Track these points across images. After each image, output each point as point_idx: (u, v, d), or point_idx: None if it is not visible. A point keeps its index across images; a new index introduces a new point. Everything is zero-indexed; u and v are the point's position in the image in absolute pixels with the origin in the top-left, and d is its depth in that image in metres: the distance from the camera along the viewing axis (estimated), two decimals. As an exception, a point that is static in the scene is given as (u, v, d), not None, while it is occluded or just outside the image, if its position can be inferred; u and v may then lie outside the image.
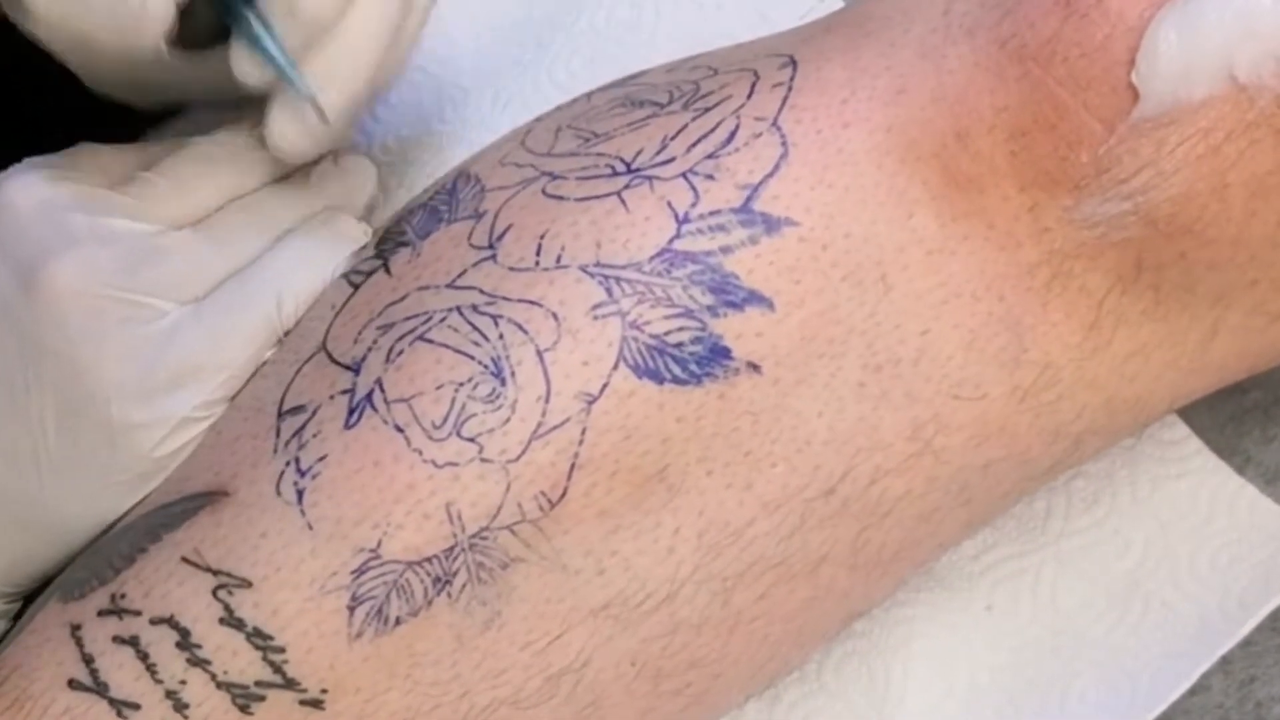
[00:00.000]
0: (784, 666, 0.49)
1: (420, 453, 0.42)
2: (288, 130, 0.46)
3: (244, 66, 0.46)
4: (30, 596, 0.48)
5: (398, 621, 0.42)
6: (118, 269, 0.45)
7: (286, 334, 0.46)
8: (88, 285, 0.45)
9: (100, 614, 0.44)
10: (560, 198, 0.44)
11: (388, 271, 0.46)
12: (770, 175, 0.44)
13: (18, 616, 0.48)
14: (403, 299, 0.45)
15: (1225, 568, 0.51)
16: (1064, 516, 0.53)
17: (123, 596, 0.43)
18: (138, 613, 0.43)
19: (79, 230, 0.45)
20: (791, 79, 0.45)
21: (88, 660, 0.43)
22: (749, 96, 0.45)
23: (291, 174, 0.49)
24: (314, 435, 0.43)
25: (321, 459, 0.43)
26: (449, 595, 0.42)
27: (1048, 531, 0.53)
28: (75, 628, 0.44)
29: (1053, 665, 0.52)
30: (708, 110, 0.45)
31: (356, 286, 0.46)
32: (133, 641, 0.43)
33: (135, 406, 0.45)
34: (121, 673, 0.43)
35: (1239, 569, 0.51)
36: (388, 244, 0.47)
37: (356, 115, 0.48)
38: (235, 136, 0.49)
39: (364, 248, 0.48)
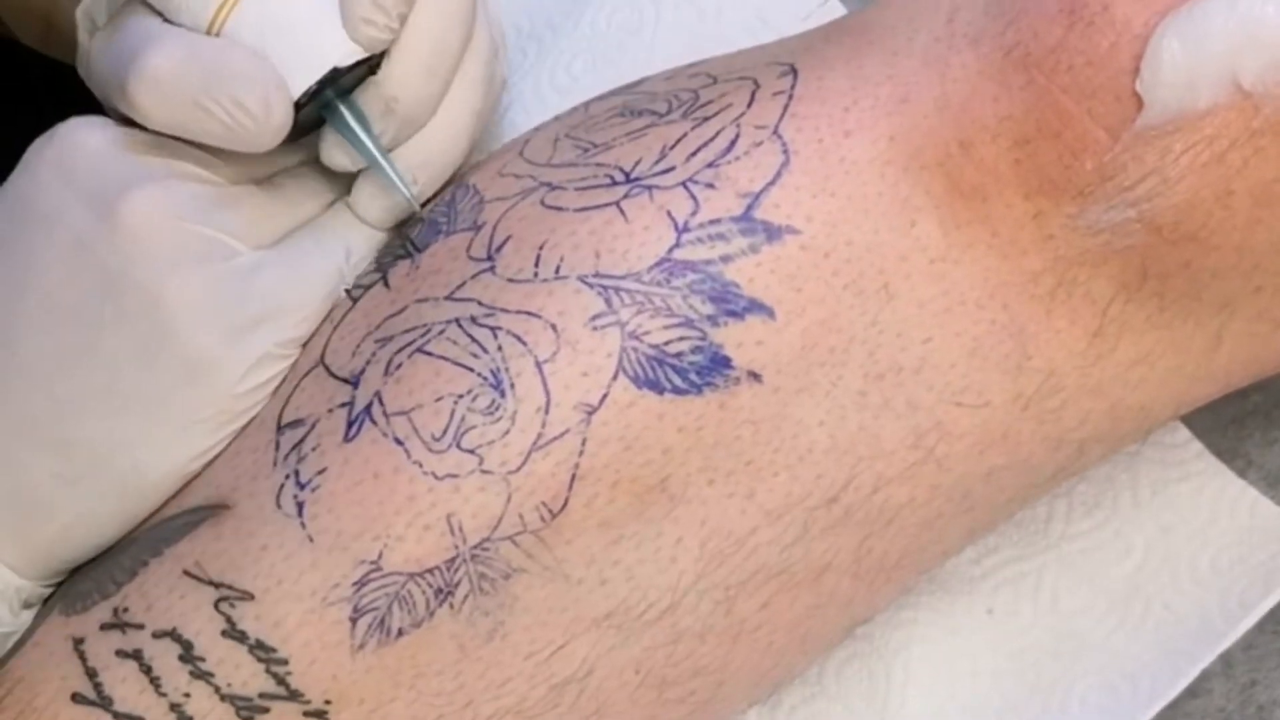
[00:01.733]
0: (788, 674, 0.49)
1: (420, 465, 0.42)
2: (373, 207, 0.48)
3: (336, 157, 0.48)
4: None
5: (400, 633, 0.42)
6: (195, 206, 0.45)
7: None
8: (169, 217, 0.44)
9: (103, 627, 0.43)
10: (559, 208, 0.44)
11: (386, 284, 0.46)
12: (771, 183, 0.43)
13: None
14: (401, 311, 0.44)
15: (1226, 569, 0.51)
16: (1065, 520, 0.53)
17: (125, 610, 0.43)
18: (140, 626, 0.43)
19: (154, 166, 0.45)
20: (792, 87, 0.45)
21: (91, 674, 0.43)
22: (749, 105, 0.45)
23: None
24: (313, 448, 0.43)
25: (321, 472, 0.43)
26: (451, 606, 0.42)
27: (1049, 535, 0.53)
28: (78, 641, 0.44)
29: (1053, 668, 0.52)
30: (707, 119, 0.45)
31: (355, 300, 0.46)
32: (136, 655, 0.43)
33: (218, 341, 0.44)
34: (125, 686, 0.43)
35: (1240, 570, 0.51)
36: (386, 257, 0.47)
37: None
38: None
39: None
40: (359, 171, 0.48)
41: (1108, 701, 0.50)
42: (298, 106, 0.45)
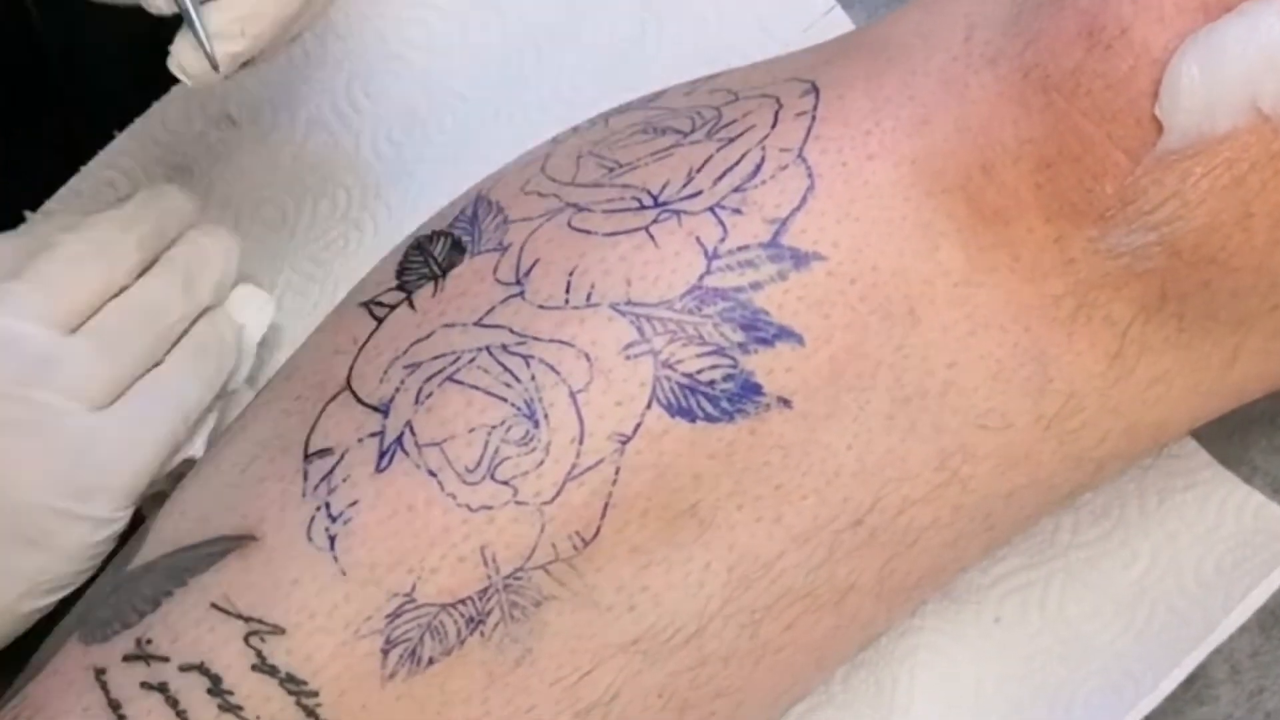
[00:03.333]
0: (805, 690, 0.49)
1: (454, 497, 0.42)
2: (193, 59, 0.45)
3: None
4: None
5: (430, 661, 0.42)
6: (23, 375, 0.45)
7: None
8: None
9: (126, 659, 0.43)
10: (587, 231, 0.44)
11: (411, 306, 0.45)
12: (797, 209, 0.43)
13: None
14: (429, 336, 0.44)
15: (1230, 570, 0.52)
16: (1072, 530, 0.53)
17: (149, 642, 0.43)
18: (165, 658, 0.43)
19: None
20: (815, 108, 0.45)
21: (114, 706, 0.43)
22: (773, 126, 0.45)
23: (158, 257, 0.50)
24: (344, 480, 0.43)
25: (353, 504, 0.43)
26: (482, 634, 0.42)
27: (1056, 544, 0.53)
28: (99, 671, 0.43)
29: (1059, 672, 0.52)
30: (732, 140, 0.45)
31: (379, 320, 0.46)
32: (161, 688, 0.42)
33: (52, 511, 0.45)
34: (151, 719, 0.42)
35: (1243, 569, 0.52)
36: (409, 274, 0.47)
37: (272, 49, 0.46)
38: (99, 228, 0.49)
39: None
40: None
41: (1112, 701, 0.51)
42: None
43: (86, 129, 0.58)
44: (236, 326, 0.52)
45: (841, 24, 0.57)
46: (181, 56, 0.45)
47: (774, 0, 0.57)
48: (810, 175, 0.44)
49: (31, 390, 0.45)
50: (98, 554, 0.46)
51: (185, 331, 0.50)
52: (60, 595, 0.46)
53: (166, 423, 0.47)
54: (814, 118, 0.45)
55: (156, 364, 0.48)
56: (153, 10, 0.45)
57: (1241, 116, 0.41)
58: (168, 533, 0.46)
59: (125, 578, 0.45)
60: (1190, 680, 0.51)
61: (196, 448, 0.49)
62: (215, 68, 0.44)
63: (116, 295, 0.48)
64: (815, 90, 0.45)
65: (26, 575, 0.45)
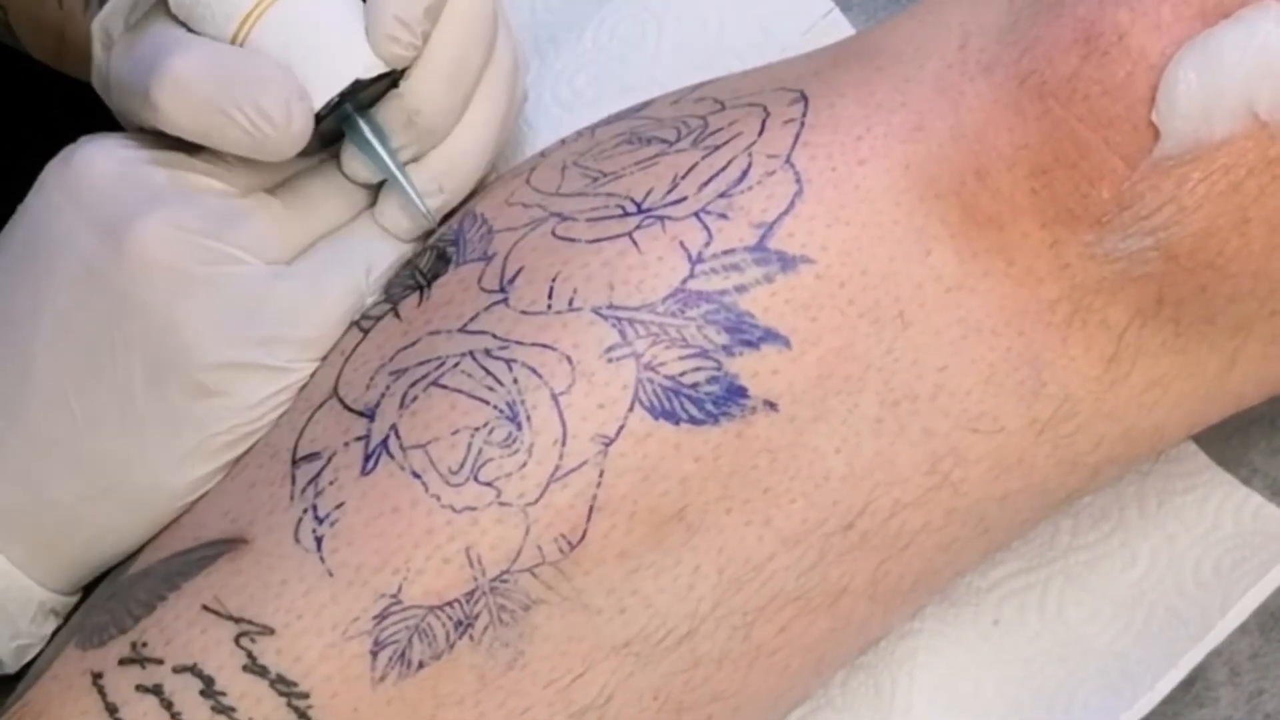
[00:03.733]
0: (803, 695, 0.49)
1: (438, 498, 0.42)
2: (399, 219, 0.48)
3: (356, 168, 0.48)
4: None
5: (420, 665, 0.42)
6: (205, 225, 0.45)
7: (371, 303, 0.47)
8: (177, 241, 0.44)
9: (121, 662, 0.43)
10: (571, 239, 0.44)
11: (397, 316, 0.46)
12: (785, 213, 0.43)
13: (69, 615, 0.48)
14: (414, 344, 0.44)
15: (1228, 570, 0.52)
16: (1071, 533, 0.53)
17: (144, 645, 0.43)
18: (160, 661, 0.43)
19: (163, 188, 0.45)
20: (803, 115, 0.45)
21: (111, 709, 0.43)
22: (760, 133, 0.45)
23: None
24: (330, 482, 0.43)
25: (339, 506, 0.43)
26: (471, 637, 0.42)
27: (1055, 547, 0.53)
28: (96, 676, 0.43)
29: (1058, 674, 0.52)
30: (718, 148, 0.45)
31: (366, 332, 0.46)
32: (156, 690, 0.43)
33: (228, 362, 0.44)
34: None
35: (1243, 570, 0.52)
36: (396, 288, 0.47)
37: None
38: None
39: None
40: (383, 182, 0.48)
41: (1111, 703, 0.51)
42: (319, 118, 0.46)
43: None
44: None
45: (841, 26, 0.57)
46: (386, 217, 0.48)
47: (774, 3, 0.57)
48: (799, 180, 0.44)
49: (213, 241, 0.45)
50: (275, 406, 0.45)
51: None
52: (244, 446, 0.45)
53: (350, 279, 0.47)
54: (802, 124, 0.44)
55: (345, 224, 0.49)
56: (357, 181, 0.48)
57: (1238, 122, 0.41)
58: (163, 540, 0.46)
59: (121, 584, 0.46)
60: (1190, 682, 0.51)
61: None
62: (429, 220, 0.48)
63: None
64: (804, 98, 0.45)
65: (200, 425, 0.45)
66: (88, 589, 0.48)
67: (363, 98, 0.47)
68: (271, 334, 0.45)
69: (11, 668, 0.47)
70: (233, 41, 0.46)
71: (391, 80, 0.47)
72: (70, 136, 0.47)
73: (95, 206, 0.45)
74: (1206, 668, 0.52)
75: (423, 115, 0.47)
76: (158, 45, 0.45)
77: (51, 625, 0.47)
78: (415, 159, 0.48)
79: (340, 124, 0.47)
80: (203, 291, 0.44)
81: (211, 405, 0.45)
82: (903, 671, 0.52)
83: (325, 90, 0.46)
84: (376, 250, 0.48)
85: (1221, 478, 0.53)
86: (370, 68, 0.46)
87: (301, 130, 0.45)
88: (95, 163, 0.45)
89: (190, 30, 0.46)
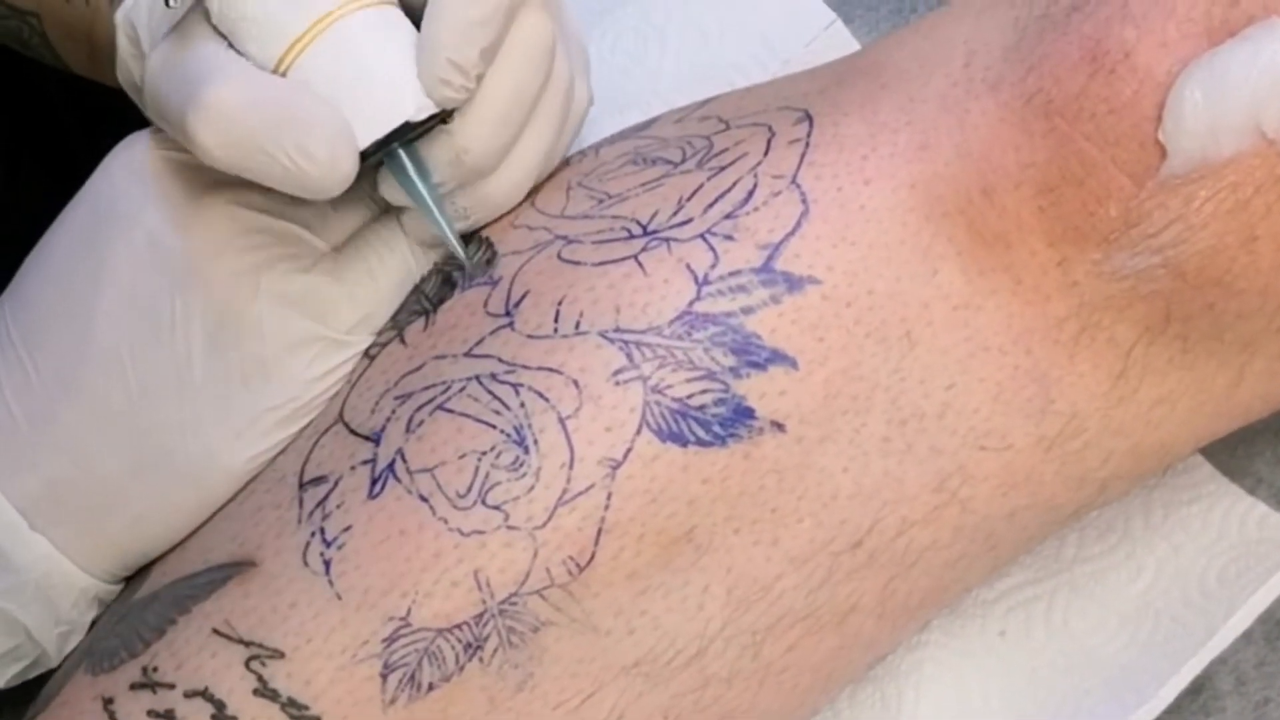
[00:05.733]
0: (812, 711, 0.49)
1: (446, 521, 0.42)
2: (424, 236, 0.47)
3: (394, 194, 0.47)
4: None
5: (430, 687, 0.42)
6: (267, 204, 0.45)
7: (422, 279, 0.47)
8: (239, 218, 0.44)
9: (133, 687, 0.43)
10: (576, 262, 0.44)
11: (403, 341, 0.45)
12: (791, 234, 0.43)
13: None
14: (419, 368, 0.44)
15: (1234, 579, 0.52)
16: (1077, 544, 0.53)
17: (154, 669, 0.43)
18: (171, 685, 0.43)
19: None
20: (808, 134, 0.45)
21: None
22: (765, 153, 0.44)
23: None
24: (338, 506, 0.43)
25: (347, 529, 0.43)
26: (480, 660, 0.42)
27: (1061, 559, 0.53)
28: (107, 701, 0.43)
29: (1064, 685, 0.52)
30: (723, 169, 0.45)
31: (372, 358, 0.46)
32: (167, 715, 0.43)
33: (288, 336, 0.44)
34: None
35: (1248, 579, 0.52)
36: (402, 314, 0.47)
37: None
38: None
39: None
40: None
41: (1117, 713, 0.51)
42: (364, 155, 0.44)
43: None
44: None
45: (843, 39, 0.56)
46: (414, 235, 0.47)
47: (776, 16, 0.57)
48: (804, 201, 0.44)
49: (275, 220, 0.45)
50: (333, 381, 0.45)
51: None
52: (301, 422, 0.45)
53: (399, 256, 0.47)
54: (808, 144, 0.44)
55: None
56: (391, 202, 0.47)
57: (1245, 141, 0.41)
58: (171, 563, 0.46)
59: (130, 608, 0.46)
60: (1196, 691, 0.51)
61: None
62: (469, 264, 0.46)
63: None
64: (809, 118, 0.45)
65: (257, 398, 0.45)
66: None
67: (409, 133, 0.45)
68: (327, 310, 0.45)
69: (55, 658, 0.47)
70: (278, 66, 0.44)
71: (440, 117, 0.45)
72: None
73: (161, 183, 0.45)
74: (1213, 677, 0.52)
75: (470, 155, 0.45)
76: (198, 68, 0.43)
77: (94, 613, 0.47)
78: (453, 189, 0.47)
79: (384, 157, 0.45)
80: (264, 266, 0.44)
81: (269, 378, 0.44)
82: (909, 684, 0.52)
83: (372, 130, 0.44)
84: (421, 231, 0.47)
85: (1227, 488, 0.53)
86: (421, 109, 0.44)
87: (346, 173, 0.43)
88: (160, 148, 0.45)
89: (232, 46, 0.44)
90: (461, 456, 0.42)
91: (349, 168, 0.43)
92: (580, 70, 0.49)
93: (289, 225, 0.45)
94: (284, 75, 0.44)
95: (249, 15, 0.43)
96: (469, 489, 0.42)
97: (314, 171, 0.42)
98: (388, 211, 0.48)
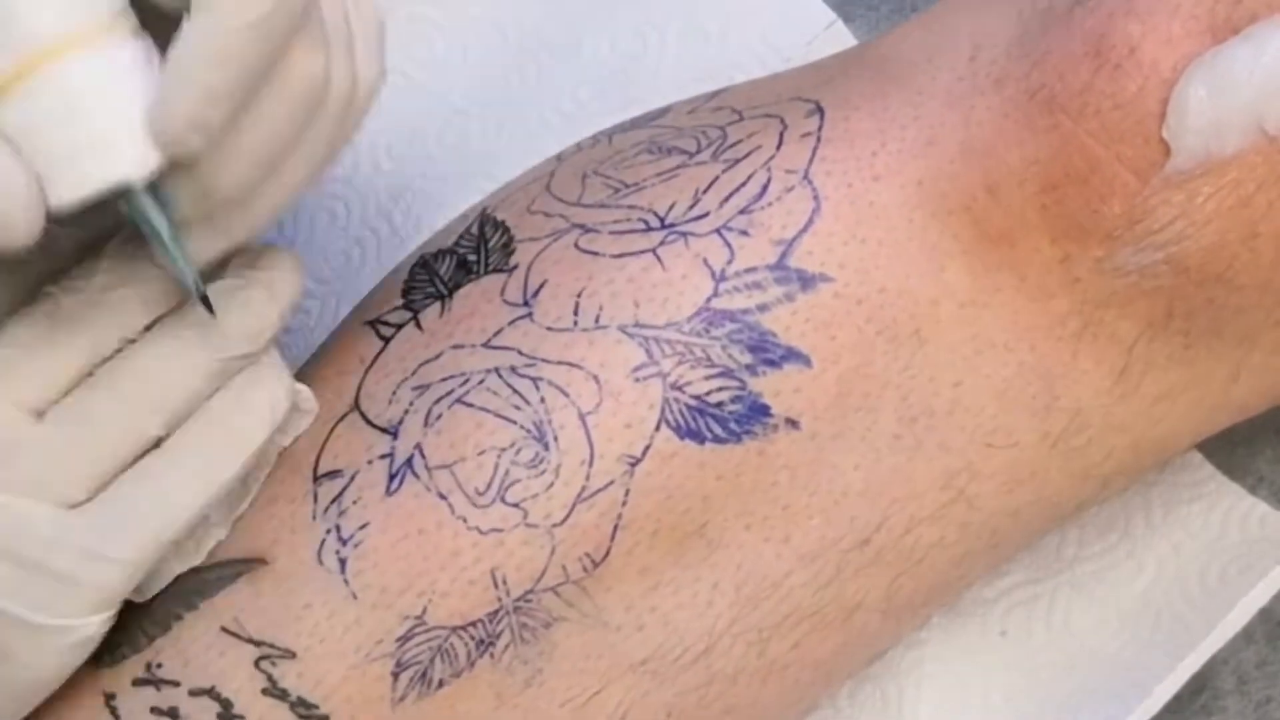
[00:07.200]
0: (812, 707, 0.49)
1: (464, 520, 0.42)
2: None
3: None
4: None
5: (440, 684, 0.42)
6: None
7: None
8: None
9: (135, 683, 0.43)
10: (595, 253, 0.44)
11: (419, 326, 0.45)
12: (804, 231, 0.44)
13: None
14: (437, 357, 0.44)
15: (1235, 578, 0.52)
16: (1078, 543, 0.54)
17: (159, 666, 0.43)
18: (176, 683, 0.43)
19: None
20: (820, 128, 0.45)
21: None
22: (778, 147, 0.45)
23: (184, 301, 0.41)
24: (354, 502, 0.43)
25: (363, 527, 0.43)
26: (491, 656, 0.42)
27: (1062, 558, 0.54)
28: (109, 697, 0.43)
29: (1066, 684, 0.53)
30: (738, 161, 0.45)
31: (386, 339, 0.45)
32: (171, 713, 0.42)
33: (13, 619, 0.40)
34: None
35: (1249, 577, 0.52)
36: (415, 294, 0.46)
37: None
38: (92, 277, 0.41)
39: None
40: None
41: (1117, 712, 0.51)
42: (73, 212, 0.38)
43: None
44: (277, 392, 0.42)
45: (844, 38, 0.57)
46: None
47: (776, 15, 0.57)
48: (816, 197, 0.44)
49: None
50: (66, 665, 0.41)
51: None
52: (28, 708, 0.42)
53: (150, 527, 0.40)
54: (819, 139, 0.45)
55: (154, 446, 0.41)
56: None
57: (1248, 138, 0.42)
58: None
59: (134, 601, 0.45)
60: (1197, 691, 0.52)
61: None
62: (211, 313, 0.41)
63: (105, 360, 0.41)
64: (820, 110, 0.45)
65: (12, 672, 0.41)
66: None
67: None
68: (53, 591, 0.40)
69: None
70: None
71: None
72: None
73: None
74: (1214, 676, 0.52)
75: (219, 193, 0.38)
76: None
77: None
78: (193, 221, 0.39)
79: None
80: None
81: (12, 660, 0.40)
82: (910, 682, 0.53)
83: (79, 187, 0.37)
84: (190, 488, 0.41)
85: (1227, 486, 0.53)
86: (145, 164, 0.37)
87: (25, 235, 0.37)
88: None
89: None
90: (481, 453, 0.42)
91: (26, 231, 0.37)
92: (371, 48, 0.42)
93: (11, 500, 0.39)
94: None
95: None
96: (488, 486, 0.42)
97: None
98: (139, 462, 0.41)
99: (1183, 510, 0.53)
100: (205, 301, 0.40)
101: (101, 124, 0.37)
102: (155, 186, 0.38)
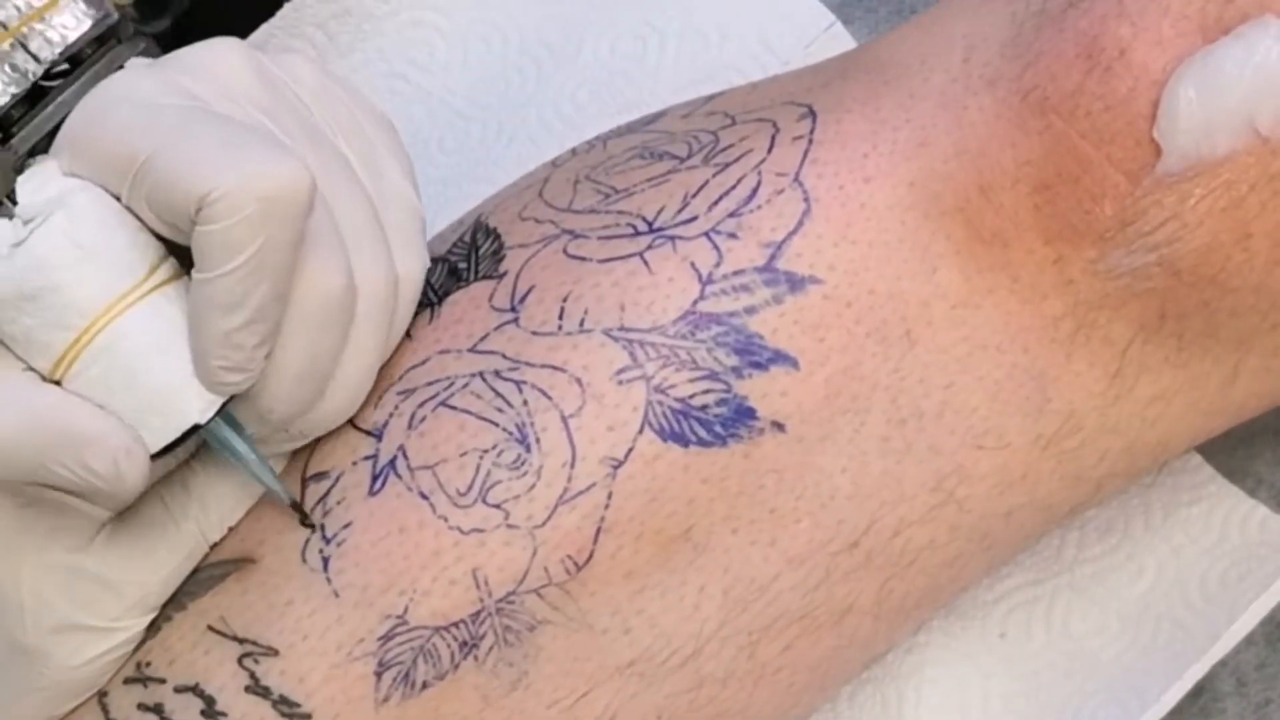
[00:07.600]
0: (808, 711, 0.49)
1: (446, 520, 0.42)
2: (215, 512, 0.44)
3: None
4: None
5: (424, 685, 0.42)
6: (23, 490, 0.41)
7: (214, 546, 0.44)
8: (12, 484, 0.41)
9: (126, 681, 0.43)
10: (582, 258, 0.44)
11: (408, 335, 0.45)
12: (793, 233, 0.43)
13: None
14: (424, 363, 0.44)
15: (1235, 583, 0.52)
16: (1078, 546, 0.53)
17: (147, 664, 0.43)
18: (162, 680, 0.43)
19: None
20: (811, 131, 0.45)
21: None
22: (769, 150, 0.45)
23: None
24: (338, 502, 0.43)
25: (346, 526, 0.43)
26: (476, 658, 0.42)
27: (1061, 560, 0.53)
28: (102, 694, 0.43)
29: (1065, 688, 0.52)
30: (728, 165, 0.45)
31: None
32: (157, 709, 0.43)
33: (45, 630, 0.42)
34: None
35: (1249, 582, 0.52)
36: None
37: None
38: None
39: None
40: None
41: (1117, 716, 0.51)
42: (161, 451, 0.41)
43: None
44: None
45: (843, 40, 0.57)
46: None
47: (775, 17, 0.57)
48: (806, 199, 0.44)
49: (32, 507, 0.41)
50: (103, 666, 0.43)
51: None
52: (72, 704, 0.44)
53: (179, 534, 0.43)
54: (811, 141, 0.44)
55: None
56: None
57: (1240, 139, 0.41)
58: None
59: None
60: (1196, 693, 0.51)
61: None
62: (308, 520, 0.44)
63: None
64: (812, 114, 0.45)
65: (20, 683, 0.43)
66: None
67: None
68: (95, 596, 0.42)
69: None
70: (51, 375, 0.40)
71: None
72: None
73: None
74: (1213, 679, 0.52)
75: (276, 413, 0.41)
76: None
77: None
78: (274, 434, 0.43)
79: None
80: (31, 546, 0.42)
81: (31, 663, 0.42)
82: (910, 685, 0.52)
83: (159, 435, 0.40)
84: (216, 500, 0.44)
85: (1227, 489, 0.53)
86: (207, 407, 0.40)
87: (135, 483, 0.40)
88: None
89: (2, 343, 0.41)
90: (463, 454, 0.42)
91: (135, 479, 0.40)
92: (409, 241, 0.44)
93: (63, 496, 0.41)
94: (60, 384, 0.40)
95: (9, 335, 0.40)
96: (470, 487, 0.42)
97: (101, 484, 0.40)
98: (174, 474, 0.44)
99: (1182, 513, 0.53)
100: (297, 508, 0.43)
101: (158, 379, 0.40)
102: (229, 414, 0.41)
